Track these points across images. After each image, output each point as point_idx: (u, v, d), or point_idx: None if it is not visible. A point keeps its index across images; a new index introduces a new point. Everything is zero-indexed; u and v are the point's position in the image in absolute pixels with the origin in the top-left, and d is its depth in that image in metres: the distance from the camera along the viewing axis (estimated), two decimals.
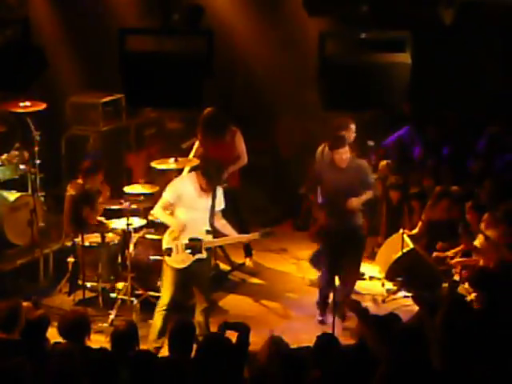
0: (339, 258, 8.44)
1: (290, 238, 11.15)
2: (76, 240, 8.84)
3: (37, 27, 5.82)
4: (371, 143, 9.59)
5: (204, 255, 7.79)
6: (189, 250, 7.67)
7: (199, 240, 7.71)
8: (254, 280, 9.92)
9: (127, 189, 9.08)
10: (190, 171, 8.71)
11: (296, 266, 10.21)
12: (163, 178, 10.53)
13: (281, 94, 12.33)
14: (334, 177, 8.40)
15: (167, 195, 7.78)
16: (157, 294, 8.50)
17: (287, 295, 9.44)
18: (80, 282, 8.81)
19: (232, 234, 8.04)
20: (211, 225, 7.84)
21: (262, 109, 12.19)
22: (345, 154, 8.36)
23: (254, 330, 6.16)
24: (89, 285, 8.83)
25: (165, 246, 7.75)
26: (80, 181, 9.08)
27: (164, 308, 7.72)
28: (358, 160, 8.63)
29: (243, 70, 12.07)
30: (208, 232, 7.82)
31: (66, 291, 9.13)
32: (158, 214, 7.88)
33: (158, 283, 8.55)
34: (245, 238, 8.37)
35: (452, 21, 6.86)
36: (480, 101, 11.61)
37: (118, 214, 8.89)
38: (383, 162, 10.72)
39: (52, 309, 8.42)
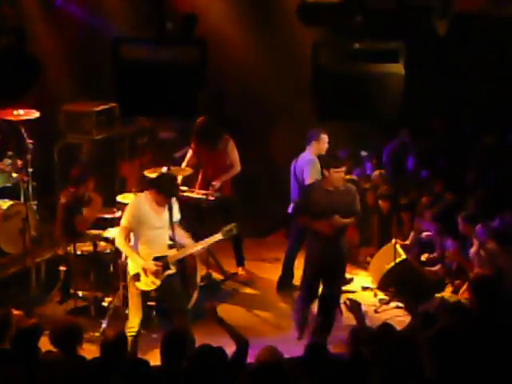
0: (319, 279, 8.36)
1: (283, 247, 11.14)
2: (68, 249, 8.82)
3: (31, 36, 5.80)
4: (364, 153, 9.60)
5: (173, 270, 7.75)
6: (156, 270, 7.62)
7: (164, 257, 7.66)
8: (247, 290, 9.91)
9: (120, 198, 9.07)
10: (140, 191, 8.37)
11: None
12: None
13: (274, 103, 12.36)
14: (322, 197, 8.16)
15: (126, 223, 7.56)
16: (149, 303, 8.50)
17: (279, 305, 9.42)
18: (72, 291, 8.80)
19: (191, 244, 7.96)
20: (172, 238, 7.81)
21: (256, 118, 12.21)
22: (343, 173, 8.22)
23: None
24: (80, 294, 8.81)
25: (131, 272, 7.63)
26: (71, 189, 9.08)
27: (132, 333, 7.59)
28: (348, 184, 8.49)
29: (236, 80, 12.08)
30: (171, 246, 7.81)
31: (58, 300, 9.10)
32: (121, 245, 7.65)
33: (152, 293, 8.55)
34: (208, 241, 8.07)
35: (446, 32, 6.89)
36: (474, 111, 11.65)
37: (111, 223, 8.87)
38: (376, 172, 10.75)
39: (44, 318, 8.39)
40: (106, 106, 10.63)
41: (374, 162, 11.34)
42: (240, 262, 10.20)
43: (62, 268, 9.04)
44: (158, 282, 7.65)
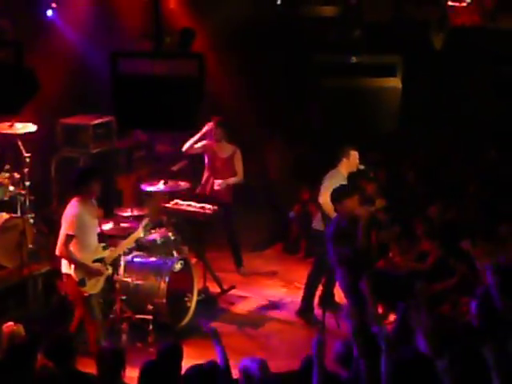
0: None
1: (280, 261, 11.16)
2: None
3: (29, 50, 5.80)
4: (362, 167, 9.58)
5: (110, 271, 7.96)
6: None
7: (102, 258, 7.83)
8: (243, 304, 9.87)
9: (117, 211, 9.09)
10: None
11: (286, 290, 10.19)
12: (153, 200, 10.56)
13: (271, 117, 12.39)
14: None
15: (70, 231, 7.58)
16: (146, 317, 8.49)
17: (273, 324, 9.33)
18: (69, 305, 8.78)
19: (122, 243, 8.22)
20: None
21: (251, 132, 12.23)
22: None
23: (234, 359, 6.06)
24: None
25: (76, 278, 7.64)
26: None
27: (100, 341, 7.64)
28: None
29: (232, 93, 12.12)
30: (104, 248, 7.92)
31: (55, 314, 9.07)
32: (69, 255, 7.61)
33: (149, 306, 8.55)
34: (133, 237, 8.33)
35: (442, 45, 6.92)
36: (471, 125, 11.69)
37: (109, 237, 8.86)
38: (372, 185, 10.73)
39: (40, 331, 8.35)
40: (103, 120, 10.64)
41: (371, 175, 11.33)
42: (238, 262, 10.42)
43: (59, 281, 9.03)
44: (102, 284, 7.82)
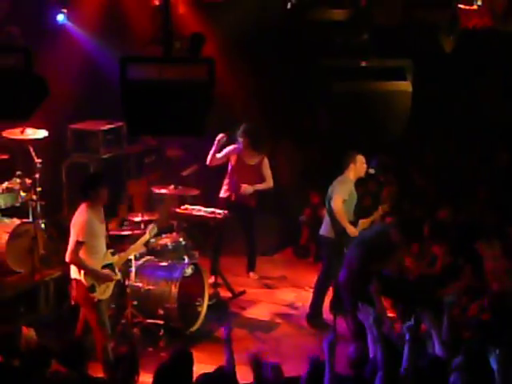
0: None
1: (290, 265, 11.14)
2: None
3: (38, 55, 5.82)
4: (372, 171, 9.57)
5: (119, 276, 7.95)
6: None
7: (111, 264, 7.82)
8: (254, 309, 9.86)
9: (128, 216, 9.11)
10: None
11: (296, 294, 10.17)
12: (163, 205, 10.58)
13: (280, 121, 12.39)
14: None
15: (80, 237, 7.53)
16: (157, 322, 8.49)
17: (282, 328, 9.31)
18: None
19: (129, 248, 8.24)
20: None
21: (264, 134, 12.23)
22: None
23: (244, 363, 6.06)
24: None
25: (86, 284, 7.60)
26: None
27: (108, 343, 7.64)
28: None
29: (241, 98, 12.12)
30: (113, 253, 7.92)
31: (67, 319, 9.09)
32: (78, 262, 7.57)
33: (160, 311, 8.55)
34: (140, 242, 8.34)
35: (452, 48, 6.90)
36: (482, 128, 11.65)
37: (120, 242, 8.88)
38: (390, 189, 10.71)
39: (52, 337, 8.38)
40: (114, 125, 10.66)
41: (381, 180, 11.31)
42: (251, 267, 10.44)
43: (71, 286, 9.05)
44: (111, 289, 7.80)
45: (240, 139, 10.07)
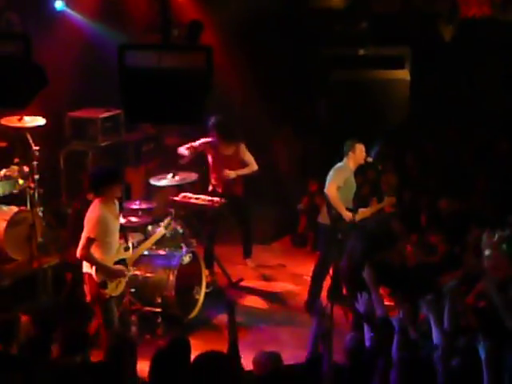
0: None
1: (289, 254, 11.16)
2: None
3: (37, 43, 5.80)
4: (370, 159, 9.57)
5: (131, 272, 7.91)
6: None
7: (124, 259, 7.74)
8: (252, 296, 9.89)
9: (126, 204, 9.11)
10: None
11: (294, 283, 10.19)
12: (161, 193, 10.58)
13: (279, 110, 12.37)
14: None
15: (92, 234, 7.44)
16: (155, 310, 8.51)
17: (281, 316, 9.34)
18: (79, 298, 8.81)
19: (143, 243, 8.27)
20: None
21: (260, 125, 12.22)
22: None
23: (243, 351, 6.04)
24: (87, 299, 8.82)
25: (97, 280, 7.54)
26: (88, 196, 9.13)
27: None
28: None
29: (241, 85, 12.10)
30: (126, 249, 7.87)
31: (65, 306, 9.11)
32: (90, 258, 7.49)
33: (158, 299, 8.56)
34: (155, 237, 8.35)
35: (452, 37, 6.89)
36: (481, 117, 11.65)
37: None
38: (393, 177, 10.71)
39: (51, 325, 8.39)
40: (112, 113, 10.66)
41: (379, 168, 11.30)
42: (247, 253, 10.40)
43: (69, 274, 9.07)
44: (123, 286, 7.74)
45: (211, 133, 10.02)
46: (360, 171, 9.72)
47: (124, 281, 7.74)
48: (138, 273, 8.73)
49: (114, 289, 7.65)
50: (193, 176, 9.88)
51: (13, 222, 9.20)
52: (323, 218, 9.23)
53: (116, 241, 7.69)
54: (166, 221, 8.56)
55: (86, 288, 7.72)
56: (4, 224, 9.14)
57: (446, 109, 11.73)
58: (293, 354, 6.66)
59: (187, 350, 5.71)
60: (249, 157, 10.07)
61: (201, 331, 8.69)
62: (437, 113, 11.72)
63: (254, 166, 10.07)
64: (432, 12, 8.46)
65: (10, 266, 9.29)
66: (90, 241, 7.44)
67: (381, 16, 6.60)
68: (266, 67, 12.09)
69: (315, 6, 8.44)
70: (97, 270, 7.54)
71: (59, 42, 10.46)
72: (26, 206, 9.49)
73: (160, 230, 8.44)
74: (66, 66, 10.38)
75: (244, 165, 10.07)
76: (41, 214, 9.68)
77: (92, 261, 7.52)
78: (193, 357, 5.68)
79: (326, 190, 9.07)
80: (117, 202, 7.77)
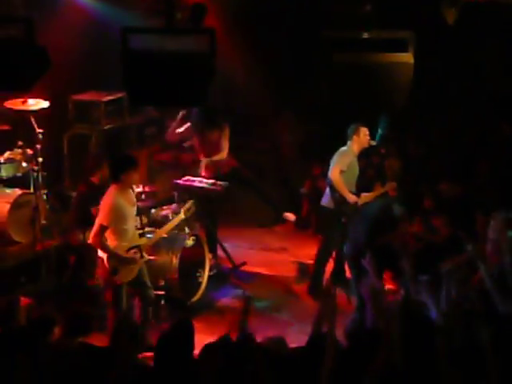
0: None
1: (291, 237, 11.18)
2: (78, 238, 8.86)
3: (40, 26, 5.79)
4: (373, 143, 9.58)
5: (146, 258, 7.84)
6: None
7: (138, 246, 7.72)
8: (255, 279, 9.91)
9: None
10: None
11: (297, 266, 10.22)
12: (164, 177, 10.60)
13: (281, 93, 12.36)
14: None
15: (105, 222, 7.46)
16: (158, 292, 8.54)
17: (283, 300, 9.36)
18: (81, 280, 8.85)
19: (159, 229, 8.20)
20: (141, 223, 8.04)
21: (264, 108, 12.21)
22: None
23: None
24: (90, 282, 8.86)
25: (108, 266, 7.57)
26: (91, 179, 9.17)
27: None
28: None
29: (242, 69, 12.09)
30: (141, 235, 7.90)
31: (68, 289, 9.15)
32: (101, 245, 7.52)
33: (161, 282, 8.59)
34: (173, 222, 8.29)
35: (455, 20, 6.87)
36: (484, 100, 11.63)
37: None
38: (396, 162, 10.72)
39: (53, 307, 8.43)
40: (115, 96, 10.65)
41: (382, 152, 11.31)
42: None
43: (72, 257, 9.10)
44: (135, 272, 7.73)
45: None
46: (364, 155, 9.73)
47: (136, 268, 7.72)
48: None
49: (126, 275, 7.66)
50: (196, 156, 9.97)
51: (16, 205, 9.23)
52: (326, 202, 9.25)
53: (132, 227, 7.70)
54: (187, 205, 8.44)
55: (99, 272, 7.77)
56: (7, 206, 9.17)
57: (448, 92, 11.71)
58: (295, 337, 6.68)
59: (191, 332, 5.74)
60: (224, 143, 10.03)
61: (204, 314, 8.73)
62: (440, 96, 11.70)
63: (224, 154, 10.03)
64: None
65: (14, 248, 9.33)
66: (102, 228, 7.47)
67: None
68: (267, 51, 12.07)
69: None
70: (108, 257, 7.56)
71: (62, 24, 10.44)
72: (29, 188, 9.52)
73: (179, 215, 8.35)
74: (70, 48, 10.36)
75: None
76: (44, 196, 9.71)
77: (103, 248, 7.55)
78: (196, 339, 5.74)
79: (329, 174, 9.09)
80: (133, 188, 7.82)
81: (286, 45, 12.24)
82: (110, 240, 7.55)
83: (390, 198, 9.46)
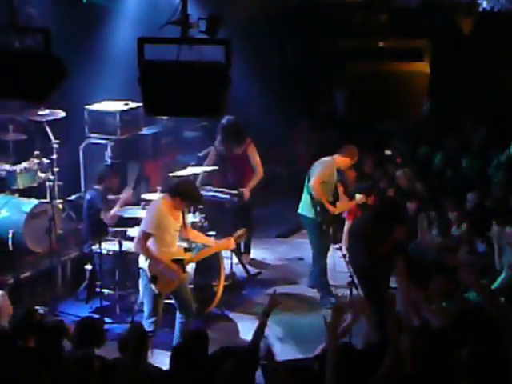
0: None
1: (307, 247, 11.14)
2: (94, 247, 8.90)
3: (56, 36, 5.81)
4: (388, 152, 9.58)
5: (186, 275, 7.90)
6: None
7: (181, 260, 7.78)
8: (269, 291, 9.86)
9: (145, 196, 9.15)
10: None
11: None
12: None
13: (297, 104, 12.37)
14: None
15: (149, 229, 7.58)
16: (173, 302, 8.54)
17: (300, 310, 9.31)
18: (97, 290, 8.87)
19: (206, 240, 8.22)
20: (186, 240, 8.07)
21: (279, 119, 12.22)
22: None
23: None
24: (106, 292, 8.88)
25: (149, 274, 7.63)
26: (96, 186, 9.25)
27: (150, 334, 7.46)
28: None
29: (259, 81, 12.11)
30: (186, 250, 7.95)
31: (84, 298, 9.17)
32: (143, 251, 7.61)
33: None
34: (221, 245, 8.27)
35: (471, 30, 6.85)
36: (499, 109, 11.61)
37: (135, 222, 8.92)
38: (400, 171, 10.70)
39: (69, 316, 8.45)
40: (131, 106, 10.68)
41: (398, 161, 11.29)
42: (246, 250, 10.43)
43: (88, 267, 9.13)
44: (176, 284, 7.74)
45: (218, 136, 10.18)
46: (379, 165, 9.77)
47: (177, 282, 7.75)
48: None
49: (164, 286, 7.69)
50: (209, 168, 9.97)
51: (32, 215, 9.26)
52: (306, 210, 9.52)
53: (173, 240, 7.75)
54: (240, 232, 8.40)
55: (141, 282, 7.83)
56: (24, 216, 9.20)
57: (465, 102, 11.69)
58: (310, 347, 6.66)
59: (205, 342, 5.74)
60: (257, 160, 10.11)
61: (219, 324, 8.71)
62: (456, 106, 11.69)
63: (260, 172, 10.14)
64: (451, 4, 8.41)
65: (30, 258, 9.36)
66: (145, 235, 7.56)
67: (400, 8, 6.57)
68: (283, 61, 12.09)
69: None
70: (149, 265, 7.60)
71: (78, 34, 10.49)
72: (45, 198, 9.55)
73: (229, 239, 8.23)
74: (85, 59, 10.41)
75: (253, 167, 10.10)
76: (60, 206, 9.74)
77: (147, 254, 7.62)
78: (210, 349, 5.74)
79: (311, 184, 9.37)
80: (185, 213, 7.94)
81: (301, 55, 12.25)
82: (154, 248, 7.63)
83: (372, 207, 9.50)
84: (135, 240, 7.69)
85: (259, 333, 5.71)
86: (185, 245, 8.18)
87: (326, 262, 9.56)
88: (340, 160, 9.52)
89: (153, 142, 11.45)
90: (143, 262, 7.71)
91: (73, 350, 6.01)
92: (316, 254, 9.62)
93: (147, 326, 7.46)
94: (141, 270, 7.78)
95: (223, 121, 9.93)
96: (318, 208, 9.34)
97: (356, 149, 9.54)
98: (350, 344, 5.84)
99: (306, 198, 9.52)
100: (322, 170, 9.40)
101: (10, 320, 6.52)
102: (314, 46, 11.59)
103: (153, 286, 7.62)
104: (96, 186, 9.38)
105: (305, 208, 9.54)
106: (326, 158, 9.53)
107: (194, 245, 8.46)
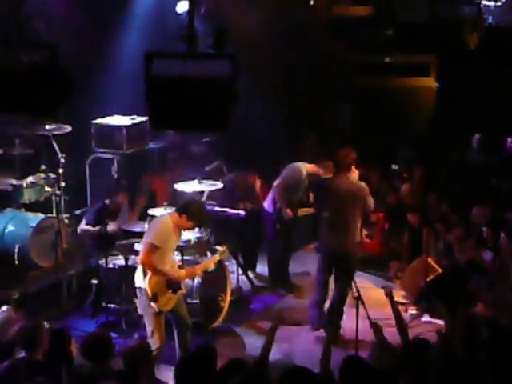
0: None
1: (314, 261, 11.11)
2: (100, 262, 8.89)
3: (63, 51, 5.83)
4: (395, 167, 9.57)
5: (184, 291, 7.88)
6: (170, 290, 7.69)
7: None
8: (276, 303, 9.88)
9: (151, 211, 9.14)
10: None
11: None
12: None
13: (303, 117, 12.37)
14: None
15: (157, 242, 7.53)
16: None
17: (307, 325, 9.26)
18: (103, 304, 8.85)
19: (197, 267, 8.18)
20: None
21: (285, 132, 12.22)
22: None
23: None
24: (112, 306, 8.86)
25: (149, 292, 7.56)
26: (106, 200, 9.30)
27: (156, 351, 7.45)
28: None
29: (265, 95, 12.13)
30: (180, 267, 7.92)
31: (90, 313, 9.16)
32: (150, 263, 7.53)
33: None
34: (212, 260, 8.28)
35: (477, 45, 6.86)
36: (505, 124, 11.60)
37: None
38: (406, 185, 10.70)
39: (75, 331, 8.43)
40: (137, 121, 10.70)
41: (404, 176, 11.27)
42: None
43: (94, 281, 9.12)
44: (173, 303, 7.73)
45: None
46: (385, 179, 9.76)
47: (175, 299, 7.74)
48: None
49: (164, 304, 7.66)
50: (218, 184, 9.94)
51: (39, 229, 9.27)
52: (268, 206, 9.97)
53: (170, 258, 7.76)
54: (221, 249, 8.53)
55: (138, 301, 7.76)
56: (30, 231, 9.21)
57: (471, 116, 11.69)
58: (317, 362, 6.64)
59: (213, 357, 5.71)
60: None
61: (225, 339, 8.69)
62: (462, 120, 11.68)
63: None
64: (457, 20, 8.43)
65: (36, 272, 9.36)
66: (153, 247, 7.51)
67: (406, 24, 6.58)
68: (289, 74, 12.10)
69: (340, 13, 8.44)
70: (149, 283, 7.54)
71: (85, 49, 10.53)
72: (51, 213, 9.57)
73: (215, 256, 8.38)
74: (92, 73, 10.43)
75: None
76: (66, 221, 9.75)
77: (153, 267, 7.54)
78: (218, 364, 5.71)
79: (275, 184, 9.79)
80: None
81: (308, 69, 12.25)
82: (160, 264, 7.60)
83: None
84: (141, 253, 7.62)
85: (267, 348, 5.70)
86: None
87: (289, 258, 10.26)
88: (311, 167, 9.86)
89: (159, 156, 11.46)
90: (140, 282, 7.62)
91: (86, 365, 5.99)
92: (273, 250, 10.26)
93: (151, 344, 7.38)
94: (138, 290, 7.68)
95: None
96: (277, 208, 9.80)
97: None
98: (358, 357, 5.83)
99: (270, 196, 9.99)
100: (290, 174, 9.82)
101: (17, 333, 6.49)
102: (323, 59, 11.59)
103: (153, 304, 7.57)
104: (106, 201, 9.39)
105: (268, 203, 10.00)
106: (295, 164, 9.90)
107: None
